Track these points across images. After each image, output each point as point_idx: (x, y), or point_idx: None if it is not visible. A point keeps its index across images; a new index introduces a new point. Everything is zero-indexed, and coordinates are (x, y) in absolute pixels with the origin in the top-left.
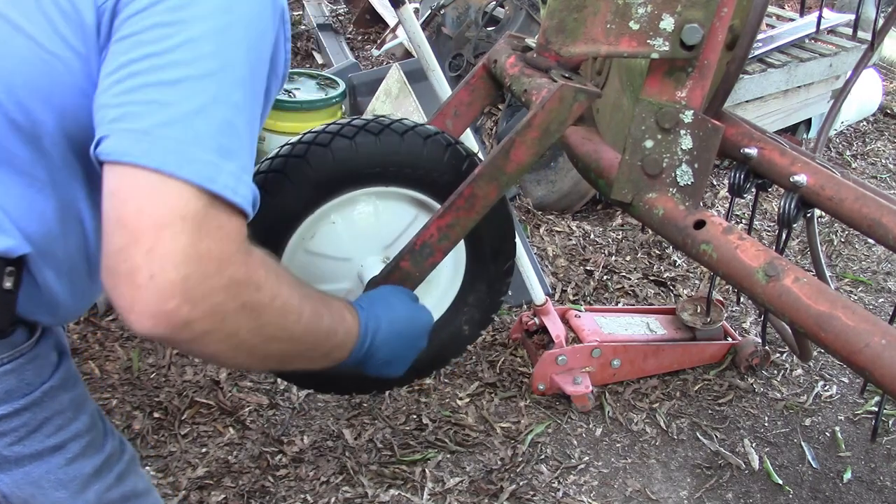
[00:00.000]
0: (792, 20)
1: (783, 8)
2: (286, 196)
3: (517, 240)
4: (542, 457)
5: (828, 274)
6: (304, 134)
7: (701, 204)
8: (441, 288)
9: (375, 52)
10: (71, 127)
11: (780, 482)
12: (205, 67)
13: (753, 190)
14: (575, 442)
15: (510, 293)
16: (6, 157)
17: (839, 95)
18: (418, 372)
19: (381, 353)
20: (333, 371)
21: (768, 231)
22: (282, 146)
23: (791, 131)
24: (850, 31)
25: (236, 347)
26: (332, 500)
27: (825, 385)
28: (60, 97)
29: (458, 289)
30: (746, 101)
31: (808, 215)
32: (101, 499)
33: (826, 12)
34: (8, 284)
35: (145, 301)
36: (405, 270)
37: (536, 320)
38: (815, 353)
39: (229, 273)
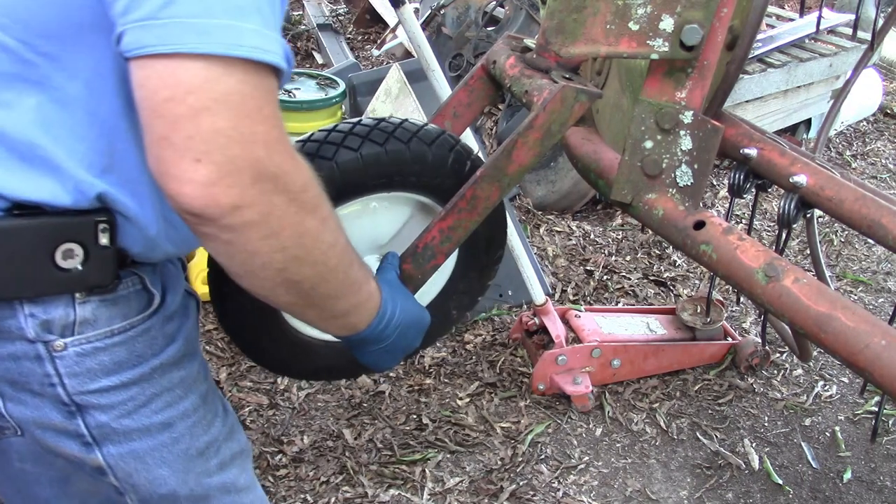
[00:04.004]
0: (792, 20)
1: (783, 8)
2: None
3: (512, 231)
4: (542, 457)
5: (828, 274)
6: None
7: (701, 204)
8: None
9: (375, 52)
10: (99, 40)
11: (780, 482)
12: None
13: (753, 190)
14: (575, 442)
15: (510, 293)
16: (58, 96)
17: (839, 95)
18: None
19: (388, 339)
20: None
21: (768, 231)
22: None
23: (791, 131)
24: (850, 31)
25: (273, 253)
26: (332, 500)
27: (825, 385)
28: (74, 14)
29: (447, 278)
30: (746, 101)
31: (808, 216)
32: (201, 483)
33: (826, 12)
34: (104, 241)
35: (196, 182)
36: (407, 273)
37: (536, 320)
38: (815, 353)
39: (277, 161)
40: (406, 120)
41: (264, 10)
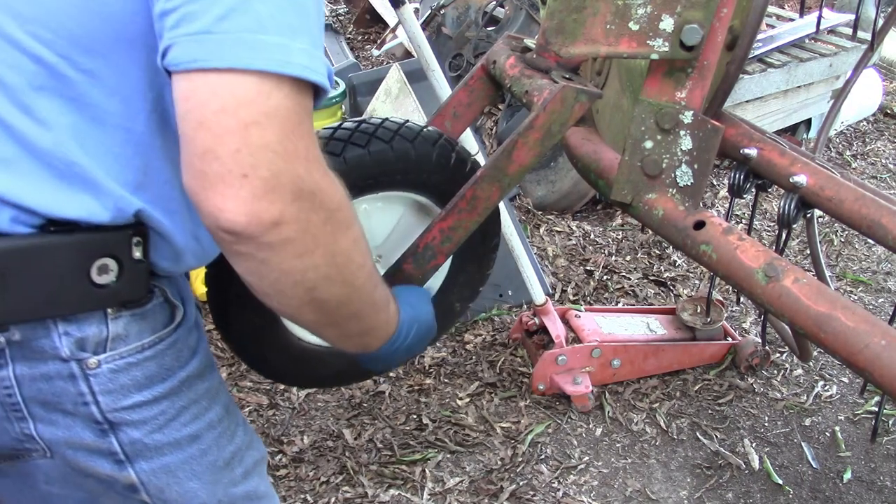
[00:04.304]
0: (792, 20)
1: (783, 8)
2: None
3: (512, 231)
4: (542, 457)
5: (828, 274)
6: None
7: (701, 204)
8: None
9: (375, 52)
10: (140, 57)
11: (780, 482)
12: None
13: (753, 190)
14: (575, 442)
15: (510, 293)
16: (95, 113)
17: (839, 95)
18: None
19: (398, 352)
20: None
21: (768, 231)
22: None
23: (791, 131)
24: (850, 31)
25: (306, 271)
26: (332, 500)
27: (825, 385)
28: (120, 30)
29: (447, 273)
30: (746, 101)
31: (808, 216)
32: (228, 493)
33: (826, 12)
34: (138, 254)
35: (240, 199)
36: (408, 273)
37: (536, 320)
38: (815, 353)
39: (316, 178)
40: (387, 119)
41: (313, 30)
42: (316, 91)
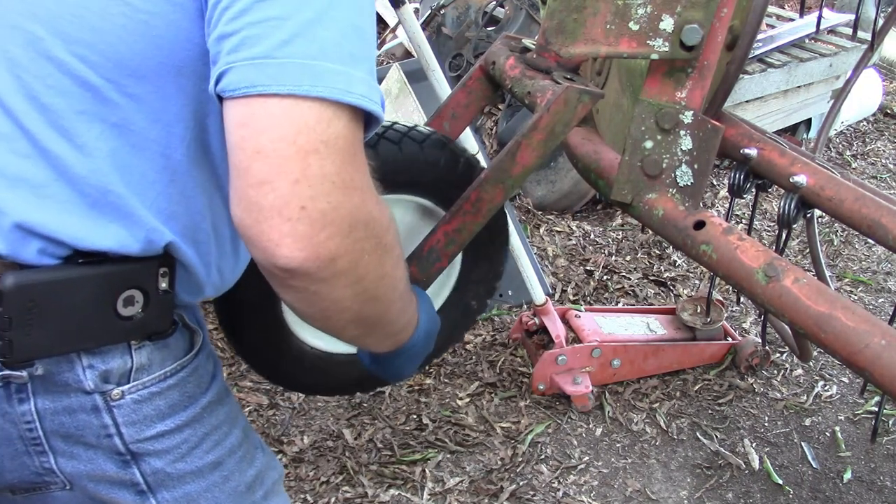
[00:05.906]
0: (792, 20)
1: (783, 8)
2: None
3: (512, 231)
4: (542, 457)
5: (828, 274)
6: None
7: (701, 204)
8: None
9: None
10: (187, 84)
11: (780, 482)
12: None
13: (753, 190)
14: (575, 442)
15: (510, 293)
16: (136, 140)
17: (839, 95)
18: (437, 351)
19: (415, 348)
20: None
21: (768, 231)
22: None
23: (791, 131)
24: (850, 31)
25: (355, 296)
26: (332, 500)
27: (825, 385)
28: (170, 56)
29: (458, 272)
30: (746, 101)
31: (808, 216)
32: None
33: (826, 12)
34: (164, 285)
35: (298, 234)
36: (412, 277)
37: (536, 320)
38: (815, 353)
39: (370, 208)
40: (395, 122)
41: (370, 58)
42: (367, 120)
